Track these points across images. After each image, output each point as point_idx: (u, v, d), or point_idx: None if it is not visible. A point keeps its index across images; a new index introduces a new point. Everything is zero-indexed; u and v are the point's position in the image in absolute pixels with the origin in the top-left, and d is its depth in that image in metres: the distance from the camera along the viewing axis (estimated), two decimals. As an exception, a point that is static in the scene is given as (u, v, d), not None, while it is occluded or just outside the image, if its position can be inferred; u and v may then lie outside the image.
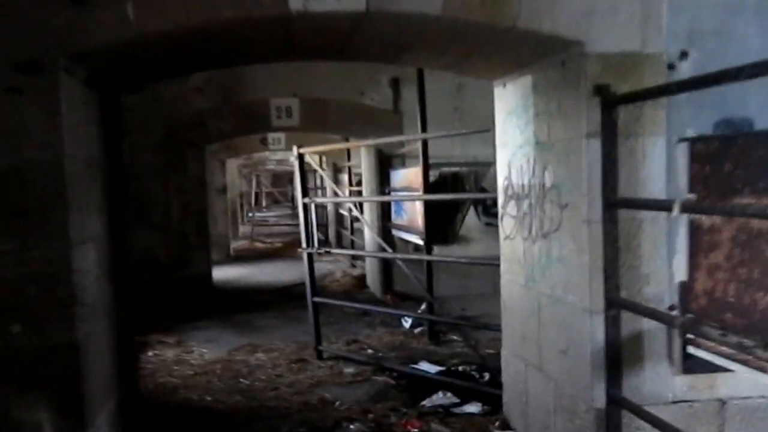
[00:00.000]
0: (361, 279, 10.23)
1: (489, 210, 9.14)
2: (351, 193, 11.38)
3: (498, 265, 4.41)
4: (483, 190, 8.91)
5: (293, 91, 8.83)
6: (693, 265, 2.87)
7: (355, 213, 12.49)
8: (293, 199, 31.51)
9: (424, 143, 6.40)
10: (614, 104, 2.89)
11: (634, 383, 2.95)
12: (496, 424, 4.17)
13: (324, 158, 14.27)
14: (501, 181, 4.17)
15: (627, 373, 2.94)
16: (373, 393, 4.92)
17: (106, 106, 3.89)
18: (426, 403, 4.65)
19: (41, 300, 2.87)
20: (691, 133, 2.96)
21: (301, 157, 5.93)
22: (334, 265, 11.82)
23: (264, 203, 33.24)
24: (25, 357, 2.91)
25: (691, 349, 2.86)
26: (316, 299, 6.04)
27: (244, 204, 23.62)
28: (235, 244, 16.50)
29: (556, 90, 3.32)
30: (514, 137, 3.90)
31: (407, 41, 3.69)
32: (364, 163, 10.05)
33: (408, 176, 7.64)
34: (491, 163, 8.95)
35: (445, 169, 8.26)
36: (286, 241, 17.62)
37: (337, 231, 15.24)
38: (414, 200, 6.53)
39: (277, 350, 6.17)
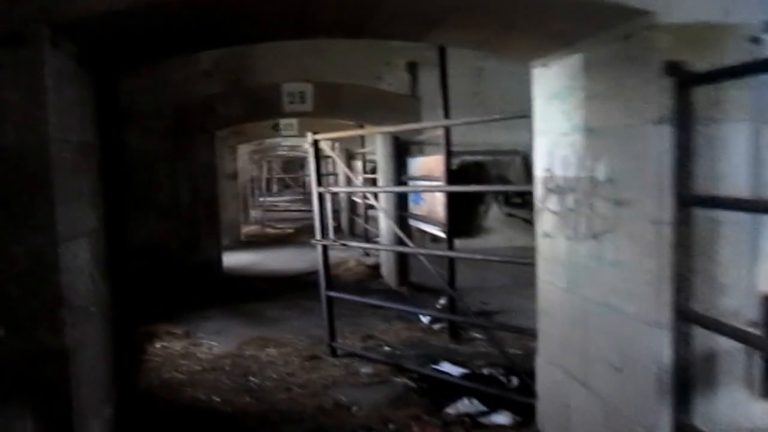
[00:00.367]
0: (375, 268, 9.87)
1: (510, 200, 8.76)
2: (365, 181, 10.99)
3: (531, 264, 4.03)
4: (505, 180, 8.51)
5: (305, 75, 8.45)
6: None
7: (371, 201, 12.15)
8: (304, 185, 31.24)
9: (447, 130, 5.99)
10: (690, 84, 2.47)
11: (706, 409, 2.56)
12: (530, 438, 3.81)
13: (336, 145, 13.87)
14: (540, 173, 3.76)
15: (697, 398, 2.55)
16: (393, 397, 4.55)
17: (103, 86, 3.51)
18: (450, 410, 4.28)
19: (25, 302, 2.52)
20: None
21: (316, 144, 5.53)
22: (346, 253, 11.43)
23: (275, 188, 32.96)
24: (8, 363, 2.57)
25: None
26: (331, 293, 5.66)
27: (255, 189, 23.27)
28: (245, 229, 16.19)
29: (615, 69, 2.90)
30: (558, 124, 3.49)
31: (438, 15, 3.27)
32: (379, 150, 9.65)
33: (428, 164, 7.23)
34: (514, 152, 8.71)
35: (468, 158, 7.86)
36: (298, 227, 17.30)
37: (350, 218, 14.87)
38: (439, 191, 6.10)
39: (288, 345, 5.82)
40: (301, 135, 14.38)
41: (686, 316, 2.48)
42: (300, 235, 15.65)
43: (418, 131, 8.40)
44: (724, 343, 2.48)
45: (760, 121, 2.51)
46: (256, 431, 4.12)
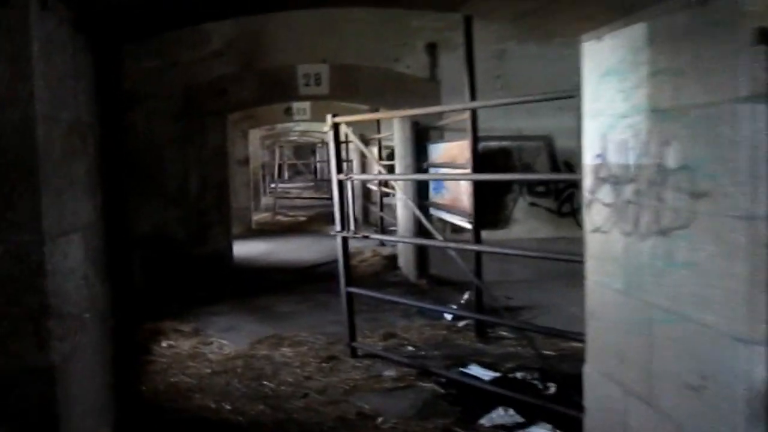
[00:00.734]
0: (392, 259, 9.49)
1: (533, 188, 8.34)
2: (381, 168, 10.56)
3: (575, 261, 3.64)
4: (528, 167, 8.08)
5: (321, 56, 8.05)
6: None
7: (387, 189, 11.75)
8: (316, 171, 30.87)
9: (474, 113, 5.57)
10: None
11: (809, 442, 2.16)
12: (576, 457, 3.42)
13: (350, 130, 13.45)
14: (590, 160, 3.34)
15: (799, 428, 2.15)
16: (420, 405, 4.18)
17: (103, 58, 3.13)
18: (484, 421, 3.90)
19: (4, 312, 2.15)
20: None
21: (336, 127, 5.13)
22: (362, 243, 11.05)
23: (286, 175, 32.61)
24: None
25: None
26: (351, 289, 5.27)
27: (266, 175, 22.91)
28: (256, 217, 15.85)
29: (690, 39, 2.48)
30: (614, 104, 3.07)
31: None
32: (397, 135, 9.23)
33: (450, 151, 6.82)
34: (537, 137, 8.27)
35: (493, 144, 7.44)
36: (310, 215, 16.96)
37: (364, 206, 14.46)
38: (467, 180, 5.67)
39: (304, 344, 5.46)
40: (314, 120, 14.03)
41: (788, 332, 2.07)
42: (313, 224, 15.30)
43: (439, 116, 7.99)
44: (833, 364, 2.08)
45: None
46: (272, 447, 3.77)
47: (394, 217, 11.03)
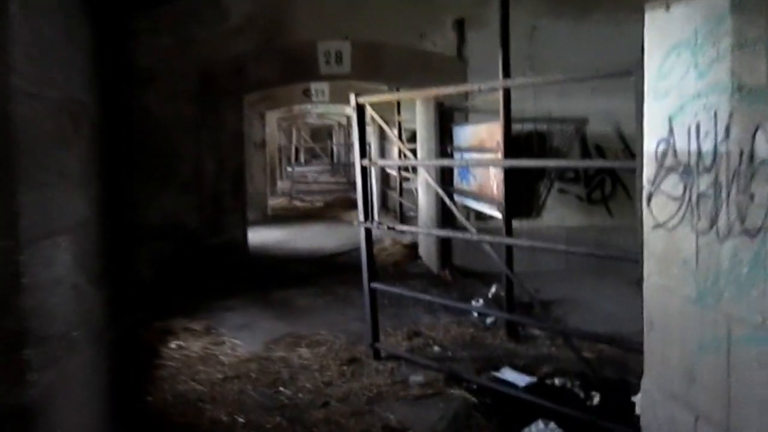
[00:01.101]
0: (413, 248, 9.10)
1: (563, 174, 7.91)
2: (401, 152, 10.15)
3: (630, 260, 3.24)
4: (556, 150, 7.65)
5: (344, 33, 7.62)
6: None
7: (408, 174, 11.34)
8: (333, 155, 30.45)
9: (507, 93, 5.13)
10: None
11: None
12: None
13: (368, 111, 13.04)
14: (651, 146, 2.93)
15: None
16: (451, 416, 3.79)
17: (107, 29, 2.75)
18: (523, 436, 3.54)
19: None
20: None
21: (360, 108, 4.72)
22: (380, 231, 10.70)
23: (303, 159, 32.25)
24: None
25: None
26: (375, 285, 4.89)
27: (282, 159, 22.55)
28: (272, 202, 15.51)
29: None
30: (685, 82, 2.65)
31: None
32: (419, 117, 8.81)
33: (479, 134, 6.38)
34: (570, 119, 7.81)
35: (525, 126, 6.99)
36: (328, 201, 16.60)
37: (383, 191, 14.05)
38: (499, 166, 5.24)
39: (323, 344, 5.10)
40: (333, 101, 13.60)
41: None
42: (330, 209, 14.94)
43: (464, 97, 7.56)
44: None
45: None
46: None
47: (414, 203, 10.63)
